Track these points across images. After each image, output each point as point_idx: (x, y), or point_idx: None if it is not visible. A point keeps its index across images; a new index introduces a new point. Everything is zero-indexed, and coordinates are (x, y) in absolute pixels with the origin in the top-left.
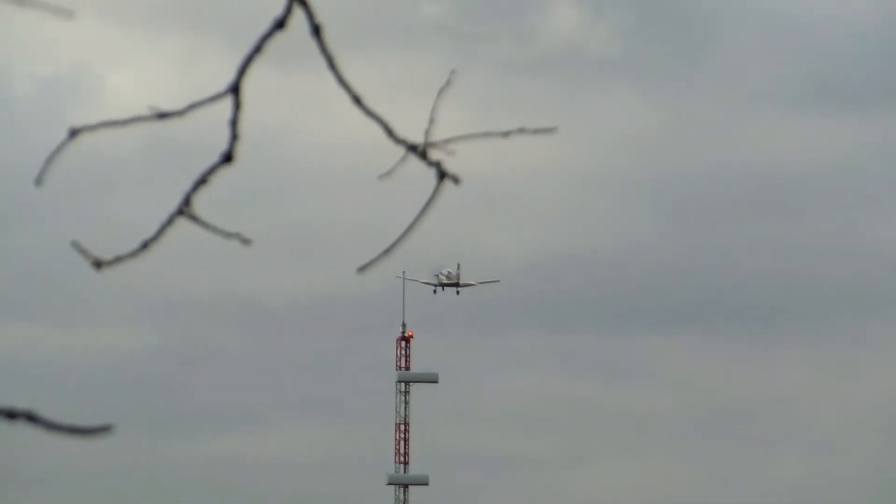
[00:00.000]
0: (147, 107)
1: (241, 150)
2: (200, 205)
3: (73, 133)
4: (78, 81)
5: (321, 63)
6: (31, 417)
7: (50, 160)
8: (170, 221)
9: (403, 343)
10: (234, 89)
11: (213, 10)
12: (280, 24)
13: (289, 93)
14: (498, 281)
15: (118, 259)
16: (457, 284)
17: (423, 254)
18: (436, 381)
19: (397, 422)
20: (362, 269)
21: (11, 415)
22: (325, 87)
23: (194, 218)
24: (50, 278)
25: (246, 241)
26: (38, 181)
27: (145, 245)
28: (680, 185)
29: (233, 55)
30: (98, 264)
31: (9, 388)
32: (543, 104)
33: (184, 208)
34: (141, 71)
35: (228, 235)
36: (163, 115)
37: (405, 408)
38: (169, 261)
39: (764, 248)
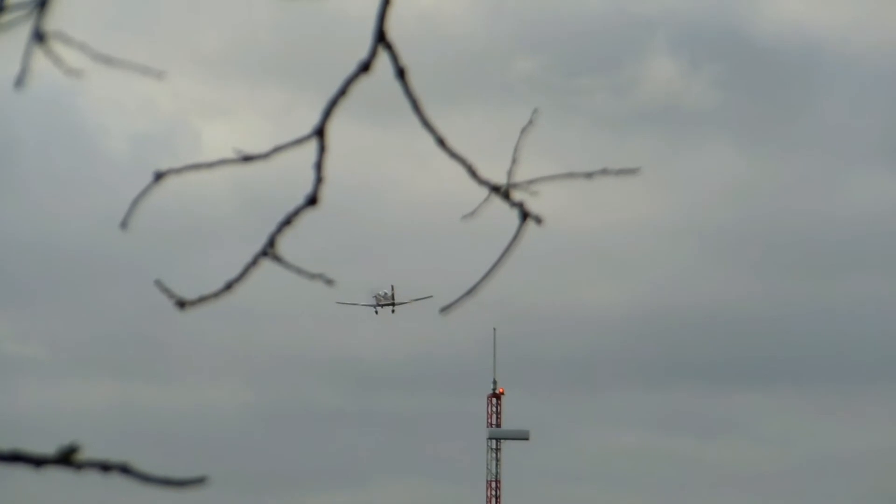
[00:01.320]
0: (233, 149)
1: (329, 198)
2: (290, 252)
3: (159, 176)
4: (173, 137)
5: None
6: (125, 470)
7: (135, 203)
8: (254, 262)
9: (494, 400)
10: (319, 132)
11: (309, 65)
12: (365, 67)
13: (376, 141)
14: (431, 297)
15: (202, 299)
16: (392, 303)
17: (511, 303)
18: (527, 438)
19: (489, 479)
20: (444, 310)
21: (106, 467)
22: (412, 137)
23: (278, 259)
24: (146, 335)
25: (329, 282)
26: (124, 225)
27: (229, 286)
28: (778, 239)
29: (325, 102)
30: (181, 304)
31: (106, 442)
32: (639, 157)
33: (268, 249)
34: (236, 125)
35: (312, 277)
36: (248, 158)
37: (496, 465)
38: (264, 318)
39: (863, 302)
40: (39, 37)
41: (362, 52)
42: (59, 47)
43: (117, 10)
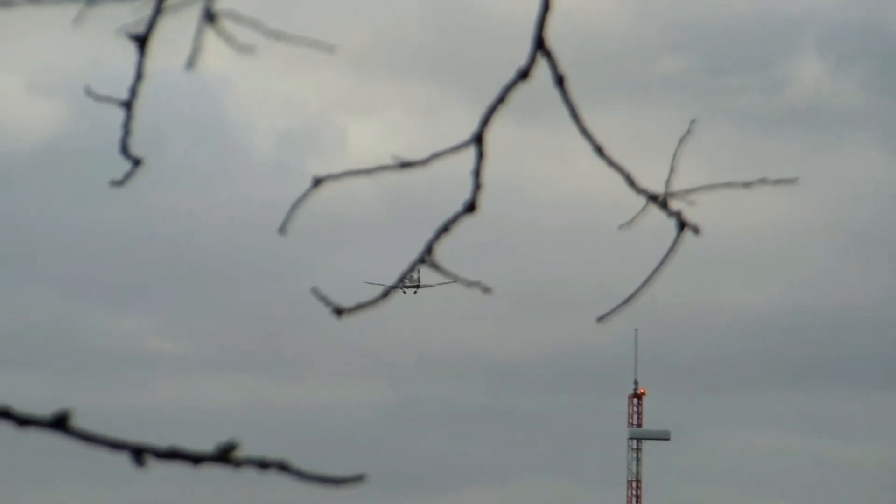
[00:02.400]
0: (391, 156)
1: (483, 201)
2: (443, 255)
3: (317, 182)
4: (319, 134)
5: (561, 115)
6: (283, 467)
7: (294, 209)
8: (412, 269)
9: (635, 400)
10: (478, 139)
11: (456, 61)
12: (524, 75)
13: (527, 144)
14: (455, 281)
15: (359, 307)
16: (417, 286)
17: (652, 304)
18: (668, 439)
19: (629, 479)
20: (602, 318)
21: (264, 465)
22: (563, 140)
23: (436, 266)
24: (285, 333)
25: (487, 291)
26: (282, 230)
27: (386, 293)
28: None
29: (474, 105)
30: (338, 312)
31: (243, 441)
32: (783, 157)
33: (426, 256)
34: (383, 123)
35: (470, 284)
36: (406, 165)
37: (637, 465)
38: (402, 317)
39: None
40: (210, 16)
41: (510, 49)
42: (229, 25)
43: (262, 5)
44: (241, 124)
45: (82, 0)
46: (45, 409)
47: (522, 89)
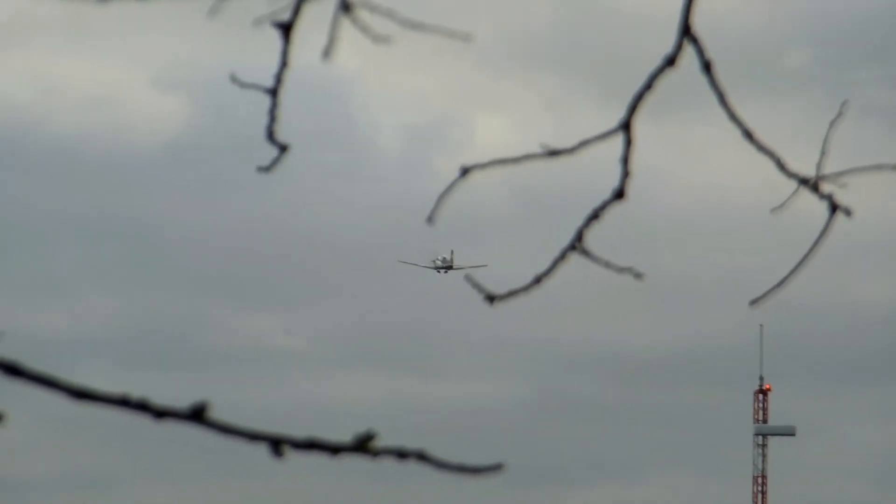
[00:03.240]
0: (539, 144)
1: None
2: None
3: (465, 172)
4: (447, 128)
5: (696, 111)
6: (422, 457)
7: (441, 199)
8: (562, 256)
9: (761, 396)
10: (626, 126)
11: (582, 53)
12: (671, 61)
13: (664, 140)
14: (486, 265)
15: (511, 293)
16: (450, 267)
17: (778, 298)
18: (793, 434)
19: (755, 475)
20: (754, 302)
21: (402, 454)
22: (699, 135)
23: (587, 253)
24: (417, 328)
25: (638, 276)
26: (430, 220)
27: (538, 280)
28: None
29: (603, 97)
30: (491, 299)
31: (385, 437)
32: None
33: (576, 244)
34: (511, 115)
35: (621, 270)
36: (554, 153)
37: (763, 461)
38: (534, 311)
39: None
40: (346, 6)
41: (633, 41)
42: (365, 16)
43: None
44: (368, 119)
45: None
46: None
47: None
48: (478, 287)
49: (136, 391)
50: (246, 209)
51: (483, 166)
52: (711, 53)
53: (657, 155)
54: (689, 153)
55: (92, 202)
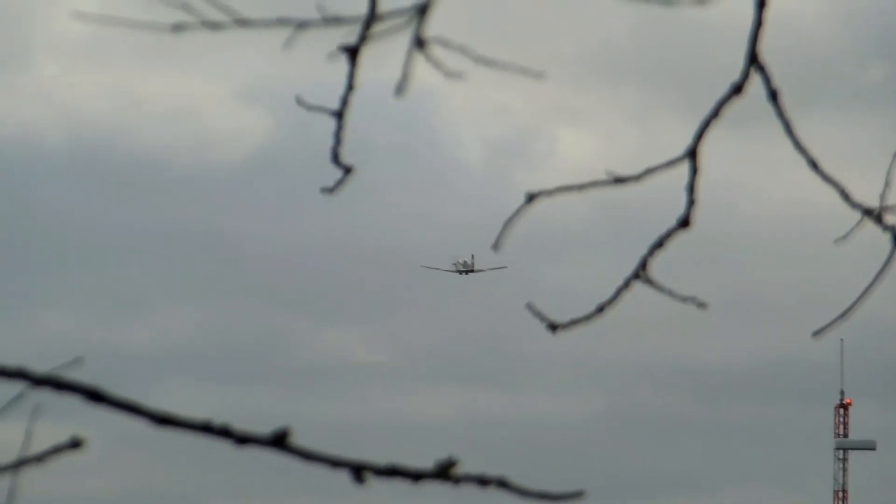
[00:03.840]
0: (605, 171)
1: (697, 215)
2: (656, 268)
3: (530, 198)
4: (529, 143)
5: (775, 128)
6: (502, 484)
7: (507, 225)
8: (626, 285)
9: (842, 410)
10: (692, 154)
11: (666, 70)
12: (737, 90)
13: (741, 157)
14: (506, 267)
15: (573, 322)
16: (471, 270)
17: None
18: (874, 449)
19: (836, 489)
20: (817, 333)
21: (483, 481)
22: (777, 152)
23: (650, 282)
24: (495, 343)
25: (701, 305)
26: (496, 247)
27: (601, 309)
28: None
29: (686, 113)
30: (553, 327)
31: (459, 451)
32: None
33: (640, 272)
34: (593, 131)
35: (684, 300)
36: (620, 180)
37: (843, 475)
38: (611, 326)
39: None
40: (419, 42)
41: (721, 58)
42: (438, 51)
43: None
44: (450, 134)
45: (292, 24)
46: (259, 422)
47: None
48: (540, 315)
49: (217, 407)
50: (328, 223)
51: (549, 193)
52: (781, 78)
53: (738, 169)
54: (769, 168)
55: (174, 216)
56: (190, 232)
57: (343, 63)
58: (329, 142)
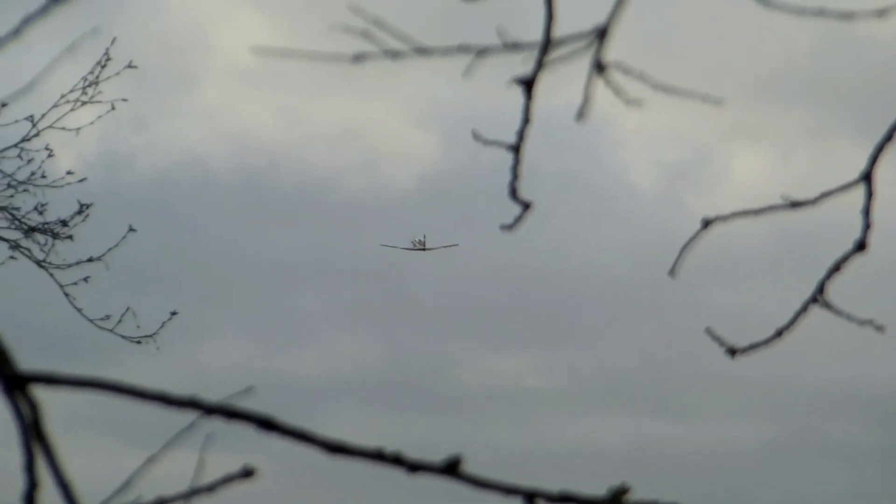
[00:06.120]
0: (781, 195)
1: (873, 239)
2: (833, 292)
3: (706, 223)
4: (702, 164)
5: None
6: None
7: (683, 251)
8: (804, 309)
9: None
10: (867, 177)
11: (842, 82)
12: None
13: None
14: (457, 245)
15: (752, 346)
16: (423, 248)
17: None
18: None
19: None
20: None
21: None
22: None
23: (828, 305)
24: (667, 370)
25: (880, 328)
26: (673, 273)
27: (779, 333)
28: None
29: (862, 133)
30: (732, 352)
31: (630, 478)
32: None
33: (818, 296)
34: (768, 150)
35: (862, 323)
36: (795, 205)
37: None
38: (783, 352)
39: None
40: (599, 67)
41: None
42: (618, 77)
43: (647, 36)
44: (621, 156)
45: (472, 51)
46: (429, 450)
47: None
48: (719, 340)
49: (386, 435)
50: (496, 249)
51: (725, 218)
52: None
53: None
54: None
55: (339, 239)
56: (358, 258)
57: (519, 88)
58: (501, 167)
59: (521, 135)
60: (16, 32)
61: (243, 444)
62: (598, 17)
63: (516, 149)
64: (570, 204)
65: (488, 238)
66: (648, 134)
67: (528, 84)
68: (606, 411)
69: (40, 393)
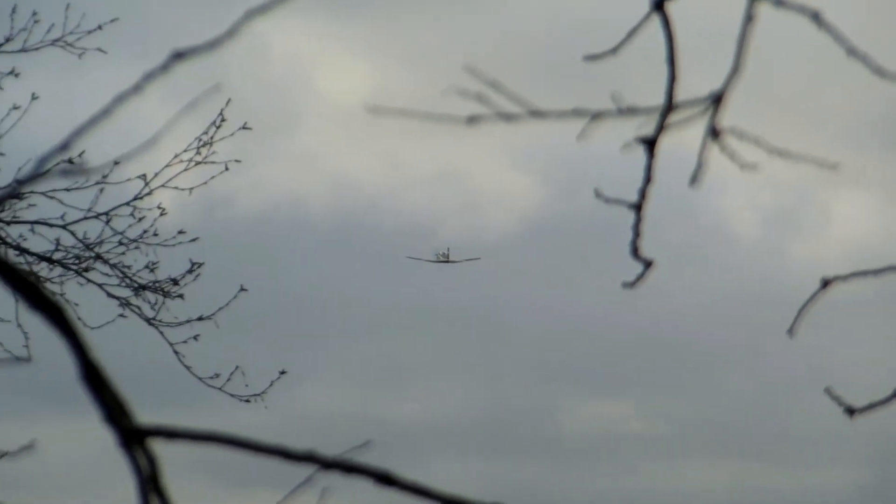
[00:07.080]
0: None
1: None
2: None
3: (825, 283)
4: (800, 210)
5: None
6: None
7: (802, 311)
8: None
9: None
10: None
11: None
12: None
13: None
14: (479, 258)
15: (871, 406)
16: (447, 260)
17: None
18: None
19: None
20: None
21: None
22: None
23: None
24: (765, 416)
25: None
26: (791, 332)
27: None
28: None
29: None
30: (850, 411)
31: None
32: None
33: None
34: (868, 195)
35: None
36: None
37: None
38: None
39: None
40: (714, 132)
41: None
42: (733, 141)
43: (764, 106)
44: (720, 201)
45: (587, 115)
46: (529, 496)
47: None
48: (838, 400)
49: (485, 482)
50: (593, 294)
51: (844, 278)
52: None
53: None
54: None
55: (438, 283)
56: (457, 302)
57: (640, 150)
58: (600, 213)
59: (642, 193)
60: (136, 88)
61: (359, 496)
62: (714, 84)
63: (638, 207)
64: (670, 248)
65: (587, 284)
66: (749, 179)
67: (650, 144)
68: (709, 456)
69: (158, 446)
